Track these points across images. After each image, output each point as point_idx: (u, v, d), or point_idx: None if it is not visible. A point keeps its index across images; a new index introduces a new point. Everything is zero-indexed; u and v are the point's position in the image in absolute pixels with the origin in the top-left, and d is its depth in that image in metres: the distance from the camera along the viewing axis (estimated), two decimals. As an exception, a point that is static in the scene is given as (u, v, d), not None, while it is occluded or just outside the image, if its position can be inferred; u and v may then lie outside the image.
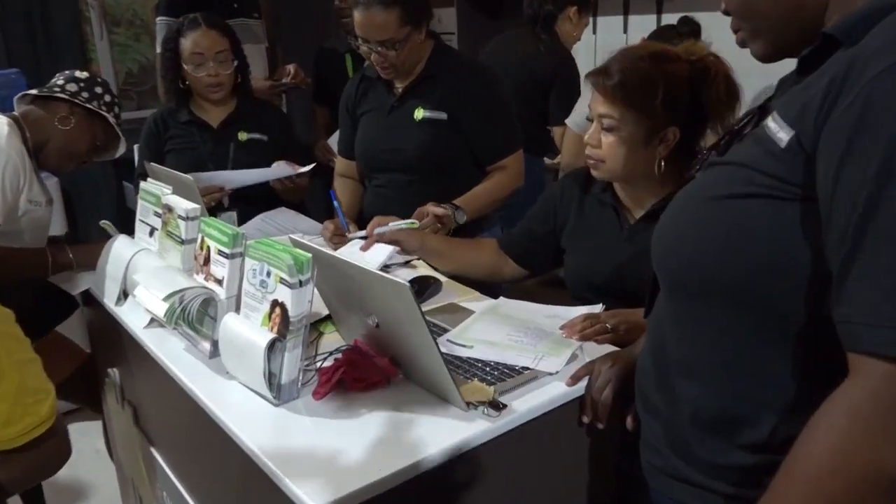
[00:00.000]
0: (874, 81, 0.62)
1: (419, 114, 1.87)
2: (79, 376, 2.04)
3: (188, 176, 1.76)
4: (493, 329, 1.36)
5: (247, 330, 1.18)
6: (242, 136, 2.23)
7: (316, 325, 1.41)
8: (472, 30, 3.79)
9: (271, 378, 1.15)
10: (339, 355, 1.22)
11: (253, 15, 2.92)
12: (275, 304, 1.16)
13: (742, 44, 0.86)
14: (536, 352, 1.26)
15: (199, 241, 1.40)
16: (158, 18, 2.68)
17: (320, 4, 3.83)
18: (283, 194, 2.21)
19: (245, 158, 2.20)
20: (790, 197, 0.71)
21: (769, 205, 0.72)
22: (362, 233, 1.66)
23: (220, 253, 1.32)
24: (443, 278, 1.66)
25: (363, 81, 2.01)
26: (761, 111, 0.83)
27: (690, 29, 2.57)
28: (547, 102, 2.88)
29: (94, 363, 2.00)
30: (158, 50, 2.35)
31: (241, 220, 2.16)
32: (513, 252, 1.67)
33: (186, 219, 1.49)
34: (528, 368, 1.21)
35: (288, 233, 2.10)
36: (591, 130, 1.39)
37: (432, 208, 1.77)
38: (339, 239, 1.86)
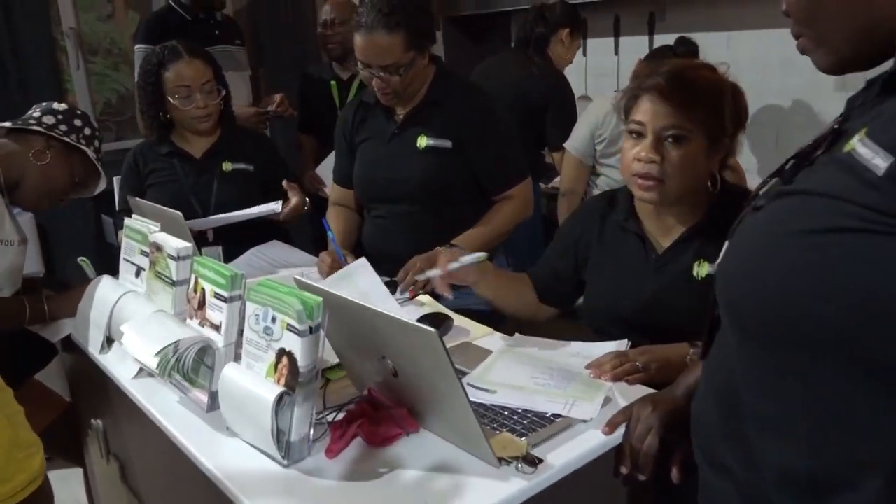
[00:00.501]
0: None
1: (422, 142, 1.78)
2: (59, 427, 1.90)
3: (176, 211, 1.64)
4: (516, 371, 1.26)
5: (250, 382, 1.07)
6: (227, 166, 2.12)
7: (322, 373, 1.30)
8: (458, 53, 3.74)
9: (279, 436, 1.04)
10: (353, 406, 1.12)
11: (235, 42, 2.84)
12: (282, 353, 1.05)
13: (803, 51, 0.77)
14: (566, 396, 1.16)
15: (192, 282, 1.29)
16: (137, 46, 2.58)
17: (303, 31, 3.76)
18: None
19: (230, 189, 2.10)
20: (891, 231, 0.62)
21: (866, 240, 0.63)
22: (436, 271, 1.47)
23: (217, 296, 1.21)
24: (453, 315, 1.56)
25: (360, 107, 1.91)
26: (835, 134, 0.74)
27: (688, 49, 2.53)
28: (541, 126, 2.81)
29: (76, 413, 1.86)
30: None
31: (228, 255, 2.05)
32: (538, 291, 1.57)
33: (178, 258, 1.38)
34: (559, 416, 1.11)
35: (281, 267, 2.00)
36: (648, 145, 1.27)
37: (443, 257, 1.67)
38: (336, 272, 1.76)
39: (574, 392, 1.17)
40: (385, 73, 1.70)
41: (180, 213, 1.63)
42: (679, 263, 1.33)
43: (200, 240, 2.06)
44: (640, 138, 1.28)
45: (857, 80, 0.76)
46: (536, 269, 1.60)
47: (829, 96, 2.67)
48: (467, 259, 1.46)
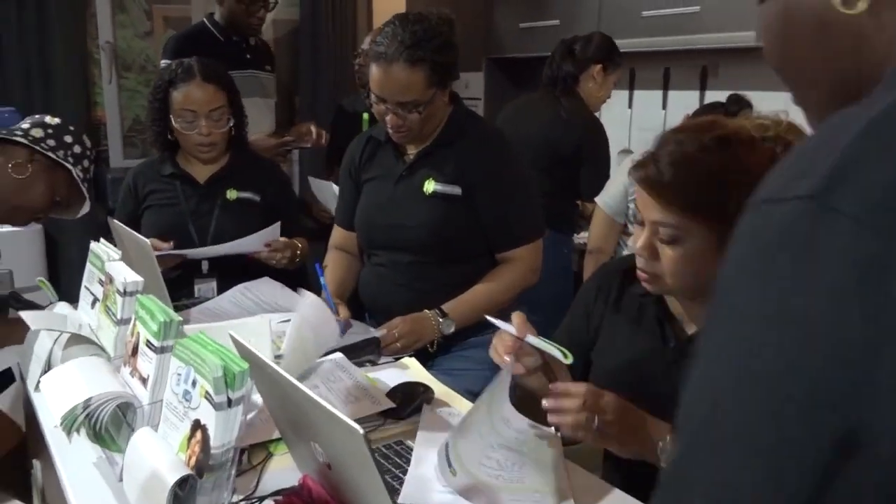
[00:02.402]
0: None
1: (429, 186, 1.59)
2: (12, 458, 1.75)
3: (145, 239, 1.49)
4: (468, 447, 1.03)
5: (157, 456, 0.89)
6: (231, 194, 1.98)
7: (265, 445, 1.12)
8: (499, 96, 3.59)
9: (180, 528, 0.85)
10: (281, 498, 0.93)
11: (265, 68, 2.74)
12: (196, 425, 0.87)
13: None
14: (527, 490, 0.96)
15: (131, 323, 1.13)
16: (163, 61, 2.50)
17: (342, 61, 3.68)
18: (271, 262, 1.95)
19: (231, 219, 1.95)
20: None
21: None
22: (510, 327, 1.10)
23: (149, 344, 1.04)
24: (437, 384, 1.36)
25: (369, 143, 1.75)
26: None
27: (740, 108, 2.31)
28: (573, 174, 2.61)
29: (26, 448, 1.71)
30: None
31: (223, 290, 1.90)
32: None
33: (125, 293, 1.22)
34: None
35: (267, 308, 1.82)
36: (641, 240, 1.07)
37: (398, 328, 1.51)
38: None
39: (531, 480, 0.97)
40: (402, 109, 1.53)
41: (148, 242, 1.48)
42: None
43: (194, 271, 1.92)
44: (642, 225, 1.08)
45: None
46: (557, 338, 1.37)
47: None
48: (547, 345, 1.07)
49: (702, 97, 2.97)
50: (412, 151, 1.66)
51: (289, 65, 3.81)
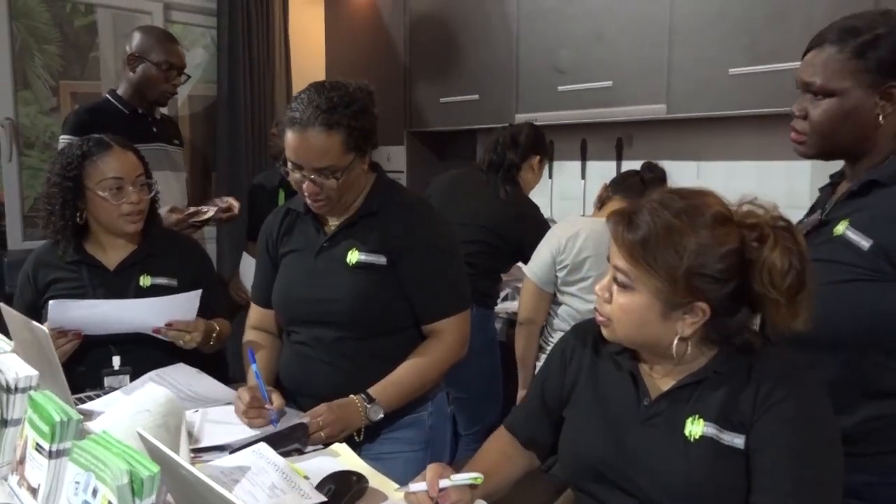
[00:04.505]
0: None
1: (353, 257, 1.53)
2: None
3: (41, 326, 1.34)
4: None
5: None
6: (145, 280, 1.82)
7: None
8: (421, 168, 3.62)
9: None
10: None
11: (173, 142, 2.63)
12: (97, 542, 0.75)
13: (796, 139, 1.26)
14: None
15: (22, 424, 1.00)
16: (62, 137, 2.35)
17: (261, 136, 3.62)
18: (179, 343, 1.78)
19: None
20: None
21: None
22: (422, 486, 1.14)
23: (38, 448, 0.91)
24: (371, 471, 1.26)
25: (288, 216, 1.67)
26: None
27: (655, 175, 2.38)
28: (506, 254, 2.63)
29: None
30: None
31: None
32: (525, 435, 1.31)
33: (15, 390, 1.08)
34: None
35: (183, 397, 1.67)
36: (604, 280, 1.13)
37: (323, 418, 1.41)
38: (255, 413, 1.44)
39: None
40: (319, 175, 1.47)
41: (45, 330, 1.33)
42: (671, 417, 1.08)
43: (104, 363, 1.74)
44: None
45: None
46: (517, 417, 1.34)
47: (803, 232, 2.52)
48: (460, 479, 1.14)
49: (618, 166, 3.06)
50: (333, 223, 1.60)
51: (206, 140, 3.72)
